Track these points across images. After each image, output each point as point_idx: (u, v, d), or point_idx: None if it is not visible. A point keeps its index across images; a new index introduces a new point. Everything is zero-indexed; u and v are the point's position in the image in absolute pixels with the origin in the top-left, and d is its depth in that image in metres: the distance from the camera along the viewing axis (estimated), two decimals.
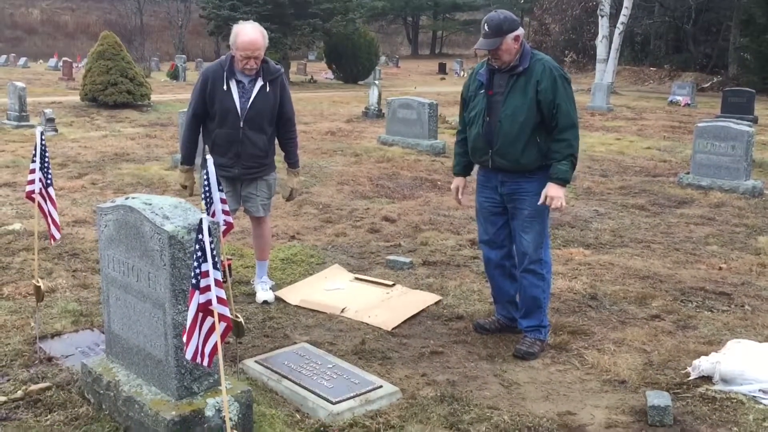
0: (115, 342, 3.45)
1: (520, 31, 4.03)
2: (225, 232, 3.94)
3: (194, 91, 4.75)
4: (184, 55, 43.91)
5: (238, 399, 3.13)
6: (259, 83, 4.66)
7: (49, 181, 3.96)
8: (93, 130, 14.23)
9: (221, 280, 2.80)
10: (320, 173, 9.92)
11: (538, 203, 4.10)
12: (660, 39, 42.23)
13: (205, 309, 2.78)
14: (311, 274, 5.57)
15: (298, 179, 5.09)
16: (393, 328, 4.56)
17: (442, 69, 44.70)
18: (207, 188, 3.85)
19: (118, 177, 9.32)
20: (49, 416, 3.34)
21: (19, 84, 14.48)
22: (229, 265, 4.94)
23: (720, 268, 5.93)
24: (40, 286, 4.01)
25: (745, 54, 34.16)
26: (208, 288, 2.75)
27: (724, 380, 3.77)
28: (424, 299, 5.04)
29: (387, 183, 9.35)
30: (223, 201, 3.92)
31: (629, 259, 6.16)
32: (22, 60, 42.39)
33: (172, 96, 22.33)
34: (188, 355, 2.83)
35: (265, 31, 4.63)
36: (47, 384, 3.63)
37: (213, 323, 2.80)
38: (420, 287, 5.32)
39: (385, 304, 4.92)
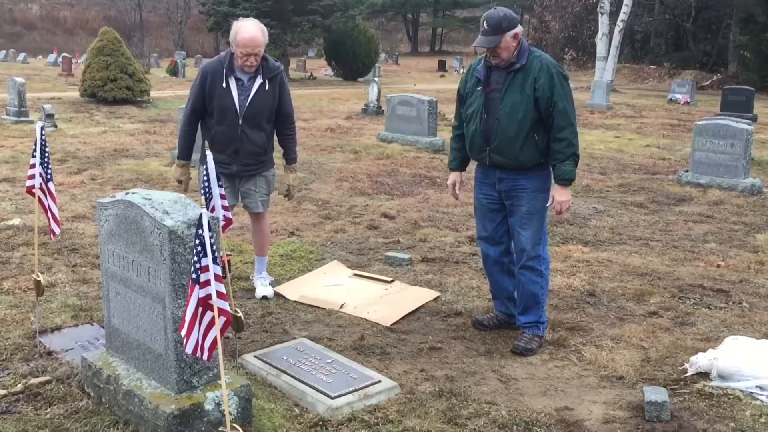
0: (115, 336, 3.46)
1: (519, 29, 4.03)
2: (224, 228, 3.95)
3: (193, 87, 4.75)
4: (183, 51, 43.95)
5: (237, 393, 3.14)
6: (258, 81, 4.66)
7: (49, 176, 3.97)
8: (92, 125, 14.23)
9: (221, 275, 2.81)
10: (319, 170, 9.93)
11: (546, 205, 4.12)
12: (660, 37, 42.22)
13: (205, 303, 2.80)
14: (310, 270, 5.58)
15: (295, 175, 5.05)
16: (392, 324, 4.57)
17: (442, 66, 44.68)
18: (206, 183, 3.86)
19: (118, 173, 9.32)
20: (49, 410, 3.35)
21: (19, 79, 14.47)
22: (229, 261, 4.96)
23: (718, 266, 5.95)
24: (40, 281, 4.03)
25: (744, 52, 34.19)
26: (208, 282, 2.77)
27: (722, 376, 3.79)
28: (423, 295, 5.05)
29: (386, 180, 9.36)
30: (222, 196, 3.93)
31: (628, 256, 6.18)
32: (22, 55, 42.32)
33: (172, 92, 22.32)
34: (188, 349, 2.84)
35: (265, 29, 4.62)
36: (47, 378, 3.64)
37: (213, 317, 2.82)
38: (419, 283, 5.33)
39: (383, 300, 4.93)
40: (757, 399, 3.63)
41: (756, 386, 3.69)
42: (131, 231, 3.18)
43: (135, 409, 3.14)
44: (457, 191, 4.56)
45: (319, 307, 4.83)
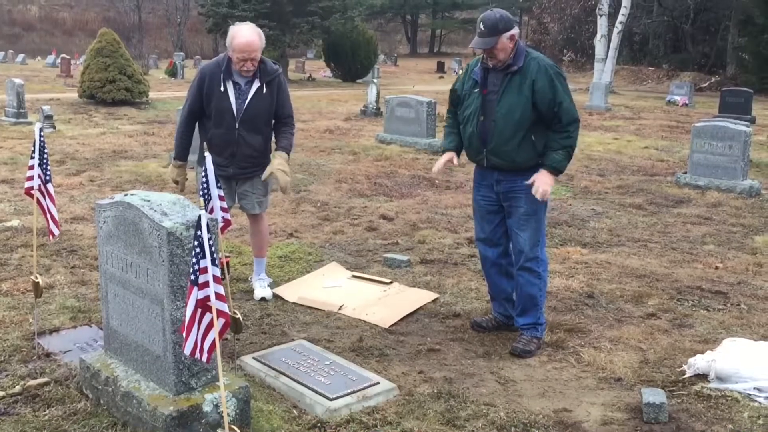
0: (114, 338, 3.46)
1: (516, 30, 4.04)
2: (223, 229, 3.95)
3: (191, 89, 4.75)
4: (182, 53, 43.90)
5: (235, 395, 3.14)
6: (256, 84, 4.64)
7: (48, 178, 3.97)
8: (91, 127, 14.23)
9: (220, 277, 2.81)
10: (318, 171, 9.94)
11: (525, 183, 4.08)
12: (658, 38, 42.27)
13: (203, 305, 2.80)
14: (309, 272, 5.58)
15: (279, 161, 4.67)
16: (390, 326, 4.57)
17: (441, 67, 44.68)
18: (205, 185, 3.86)
19: (116, 174, 9.32)
20: (47, 411, 3.35)
21: (17, 81, 14.46)
22: (227, 263, 4.95)
23: (716, 268, 5.95)
24: (38, 282, 4.02)
25: (743, 54, 34.23)
26: (206, 284, 2.77)
27: (720, 378, 3.79)
28: (422, 297, 5.05)
29: (385, 181, 9.36)
30: (221, 198, 3.93)
31: (626, 258, 6.18)
32: (20, 57, 42.31)
33: (170, 93, 22.31)
34: (187, 351, 2.84)
35: (261, 32, 4.61)
36: (46, 379, 3.64)
37: (211, 319, 2.82)
38: (417, 285, 5.33)
39: (382, 302, 4.94)
40: (755, 401, 3.63)
41: (754, 388, 3.70)
42: (130, 232, 3.18)
43: (133, 411, 3.14)
44: (442, 164, 4.36)
45: (317, 309, 4.84)
